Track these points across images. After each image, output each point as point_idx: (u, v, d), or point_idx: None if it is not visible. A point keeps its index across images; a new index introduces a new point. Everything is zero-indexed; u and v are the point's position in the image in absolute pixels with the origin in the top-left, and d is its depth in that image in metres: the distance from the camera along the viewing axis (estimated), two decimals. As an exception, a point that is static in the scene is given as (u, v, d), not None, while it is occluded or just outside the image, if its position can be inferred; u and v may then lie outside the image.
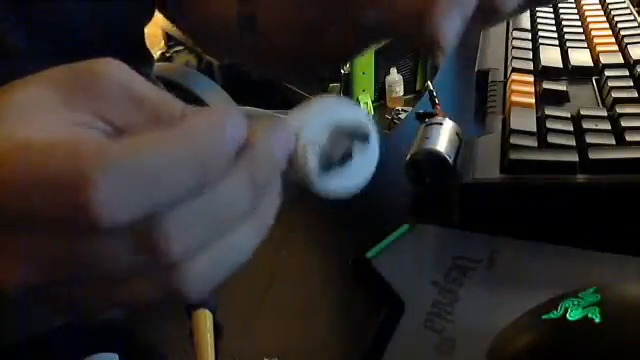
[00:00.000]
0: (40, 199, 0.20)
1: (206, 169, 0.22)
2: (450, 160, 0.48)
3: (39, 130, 0.22)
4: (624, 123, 0.46)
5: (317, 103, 0.26)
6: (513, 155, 0.44)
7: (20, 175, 0.21)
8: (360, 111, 0.28)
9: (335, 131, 0.26)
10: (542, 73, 0.59)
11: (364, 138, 0.27)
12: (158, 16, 0.59)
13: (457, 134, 0.51)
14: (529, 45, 0.65)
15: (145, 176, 0.20)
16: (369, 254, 0.42)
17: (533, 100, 0.53)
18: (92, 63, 0.24)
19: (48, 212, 0.20)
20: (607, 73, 0.56)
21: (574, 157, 0.43)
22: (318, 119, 0.26)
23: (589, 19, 0.71)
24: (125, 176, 0.20)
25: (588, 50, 0.62)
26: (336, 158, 0.26)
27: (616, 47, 0.62)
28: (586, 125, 0.47)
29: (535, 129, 0.47)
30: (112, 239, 0.21)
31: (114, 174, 0.20)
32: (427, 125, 0.52)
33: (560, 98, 0.54)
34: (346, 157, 0.27)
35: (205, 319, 0.37)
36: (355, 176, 0.27)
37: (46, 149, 0.21)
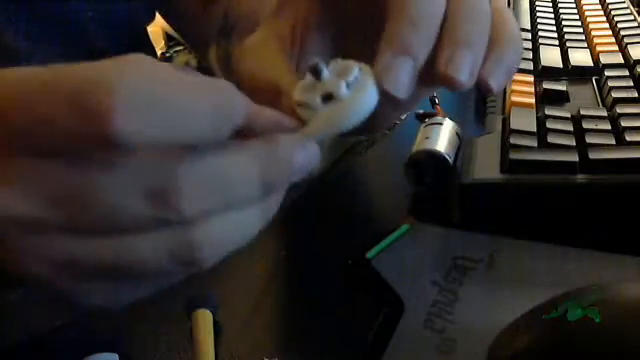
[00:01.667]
0: (62, 115, 0.20)
1: (222, 120, 0.23)
2: (450, 160, 0.48)
3: None
4: (624, 123, 0.46)
5: None
6: (513, 155, 0.44)
7: (41, 94, 0.21)
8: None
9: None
10: (542, 73, 0.59)
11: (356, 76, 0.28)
12: (158, 16, 0.59)
13: (457, 134, 0.51)
14: (529, 45, 0.65)
15: (165, 106, 0.21)
16: (369, 254, 0.42)
17: (533, 100, 0.53)
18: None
19: (68, 126, 0.20)
20: (607, 73, 0.56)
21: (574, 157, 0.43)
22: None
23: (589, 19, 0.71)
24: (147, 99, 0.21)
25: (588, 50, 0.62)
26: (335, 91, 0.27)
27: (616, 47, 0.62)
28: (586, 125, 0.47)
29: (535, 129, 0.47)
30: (127, 176, 0.21)
31: (138, 94, 0.20)
32: (427, 125, 0.52)
33: (560, 98, 0.54)
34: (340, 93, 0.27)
35: (205, 319, 0.37)
36: (348, 113, 0.27)
37: (67, 71, 0.21)
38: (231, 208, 0.24)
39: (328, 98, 0.27)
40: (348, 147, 0.58)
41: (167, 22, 0.61)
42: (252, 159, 0.24)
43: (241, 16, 0.38)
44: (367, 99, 0.27)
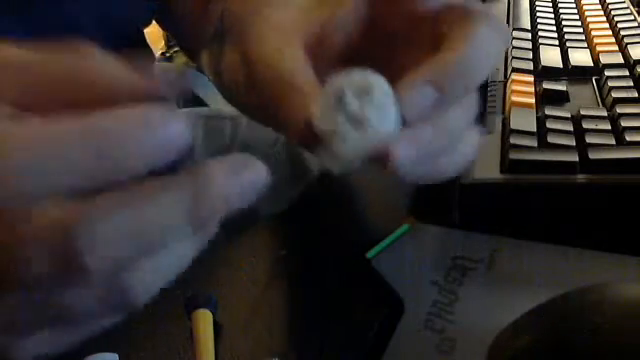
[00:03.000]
0: None
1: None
2: (450, 160, 0.48)
3: None
4: (624, 123, 0.46)
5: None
6: (513, 155, 0.44)
7: None
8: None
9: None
10: (542, 73, 0.59)
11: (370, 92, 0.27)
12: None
13: (457, 134, 0.51)
14: (529, 45, 0.65)
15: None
16: (369, 254, 0.42)
17: (533, 100, 0.53)
18: None
19: None
20: (607, 73, 0.56)
21: (574, 157, 0.43)
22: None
23: (589, 19, 0.71)
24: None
25: (588, 50, 0.62)
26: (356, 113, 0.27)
27: (616, 47, 0.62)
28: (586, 125, 0.47)
29: (535, 129, 0.47)
30: (28, 238, 0.20)
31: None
32: (427, 125, 0.52)
33: (560, 98, 0.54)
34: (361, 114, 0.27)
35: (205, 319, 0.37)
36: (376, 134, 0.27)
37: None
38: (155, 251, 0.22)
39: (352, 122, 0.27)
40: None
41: (162, 24, 0.61)
42: (173, 197, 0.21)
43: (239, 17, 0.38)
44: (391, 124, 0.27)
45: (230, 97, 0.44)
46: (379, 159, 0.27)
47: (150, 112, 0.21)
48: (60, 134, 0.20)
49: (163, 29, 0.61)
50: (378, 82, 0.28)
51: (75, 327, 0.24)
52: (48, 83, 0.22)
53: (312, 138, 0.27)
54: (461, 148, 0.31)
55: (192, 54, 0.55)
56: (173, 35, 0.61)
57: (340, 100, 0.27)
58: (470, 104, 0.30)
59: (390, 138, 0.27)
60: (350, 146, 0.27)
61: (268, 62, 0.31)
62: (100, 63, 0.23)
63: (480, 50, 0.28)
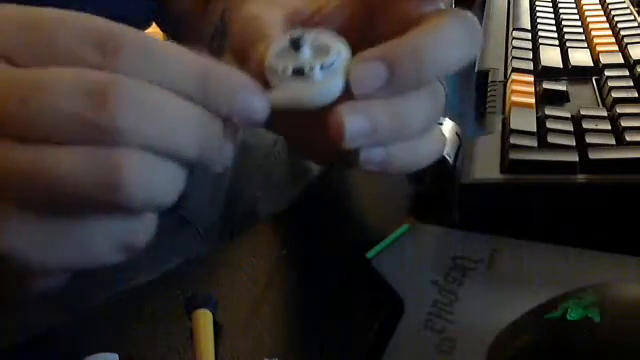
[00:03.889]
0: None
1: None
2: (450, 160, 0.48)
3: None
4: (624, 123, 0.46)
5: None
6: (513, 155, 0.44)
7: None
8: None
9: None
10: (542, 73, 0.59)
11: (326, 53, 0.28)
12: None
13: (457, 134, 0.51)
14: (529, 45, 0.65)
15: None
16: (369, 254, 0.42)
17: (533, 100, 0.53)
18: None
19: None
20: (607, 73, 0.56)
21: (574, 157, 0.43)
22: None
23: (589, 19, 0.71)
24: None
25: (588, 50, 0.62)
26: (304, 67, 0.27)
27: (616, 47, 0.62)
28: (586, 125, 0.47)
29: (535, 129, 0.47)
30: (70, 72, 0.22)
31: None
32: (427, 125, 0.52)
33: (560, 98, 0.54)
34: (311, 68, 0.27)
35: (205, 319, 0.37)
36: (313, 96, 0.27)
37: None
38: (165, 151, 0.24)
39: (299, 72, 0.27)
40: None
41: (161, 25, 0.61)
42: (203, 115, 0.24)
43: (238, 19, 0.38)
44: (334, 89, 0.28)
45: None
46: (328, 122, 0.28)
47: None
48: None
49: (162, 30, 0.61)
50: (339, 47, 0.28)
51: (65, 225, 0.24)
52: None
53: (261, 78, 0.28)
54: (423, 142, 0.31)
55: None
56: (172, 36, 0.61)
57: (296, 46, 0.28)
58: (434, 98, 0.30)
59: (330, 103, 0.27)
60: (288, 94, 0.27)
61: (246, 19, 0.33)
62: None
63: (439, 41, 0.28)
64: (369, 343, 0.36)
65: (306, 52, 0.28)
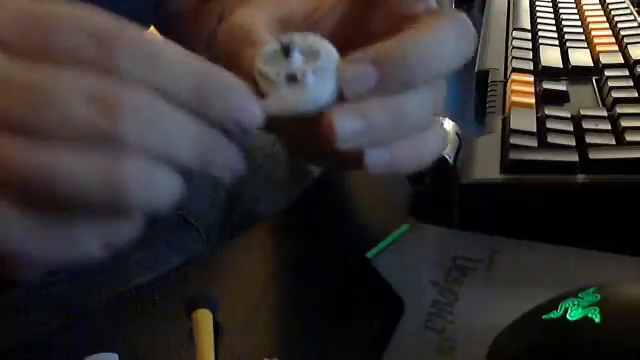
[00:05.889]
0: None
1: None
2: (450, 160, 0.48)
3: None
4: (624, 123, 0.46)
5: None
6: (513, 155, 0.44)
7: None
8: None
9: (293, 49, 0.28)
10: (542, 73, 0.59)
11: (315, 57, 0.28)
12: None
13: (457, 134, 0.51)
14: (529, 45, 0.65)
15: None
16: (369, 254, 0.42)
17: (533, 100, 0.53)
18: None
19: None
20: (607, 73, 0.56)
21: (574, 157, 0.43)
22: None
23: (589, 19, 0.71)
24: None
25: (588, 50, 0.63)
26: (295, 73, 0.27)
27: (616, 47, 0.62)
28: (586, 125, 0.47)
29: (535, 129, 0.47)
30: (77, 78, 0.23)
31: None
32: (427, 125, 0.52)
33: (560, 98, 0.54)
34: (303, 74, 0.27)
35: (205, 319, 0.37)
36: (309, 101, 0.27)
37: None
38: (168, 160, 0.24)
39: (292, 79, 0.27)
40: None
41: (159, 26, 0.60)
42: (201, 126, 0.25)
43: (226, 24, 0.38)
44: (327, 92, 0.28)
45: None
46: (320, 125, 0.27)
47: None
48: None
49: (159, 31, 0.61)
50: (328, 50, 0.28)
51: (71, 219, 0.24)
52: None
53: (253, 84, 0.28)
54: (426, 137, 0.31)
55: None
56: (171, 37, 0.61)
57: (287, 52, 0.28)
58: (433, 92, 0.30)
59: (324, 107, 0.27)
60: (282, 101, 0.27)
61: (233, 24, 0.33)
62: None
63: (430, 43, 0.28)
64: (369, 343, 0.36)
65: (297, 57, 0.28)
